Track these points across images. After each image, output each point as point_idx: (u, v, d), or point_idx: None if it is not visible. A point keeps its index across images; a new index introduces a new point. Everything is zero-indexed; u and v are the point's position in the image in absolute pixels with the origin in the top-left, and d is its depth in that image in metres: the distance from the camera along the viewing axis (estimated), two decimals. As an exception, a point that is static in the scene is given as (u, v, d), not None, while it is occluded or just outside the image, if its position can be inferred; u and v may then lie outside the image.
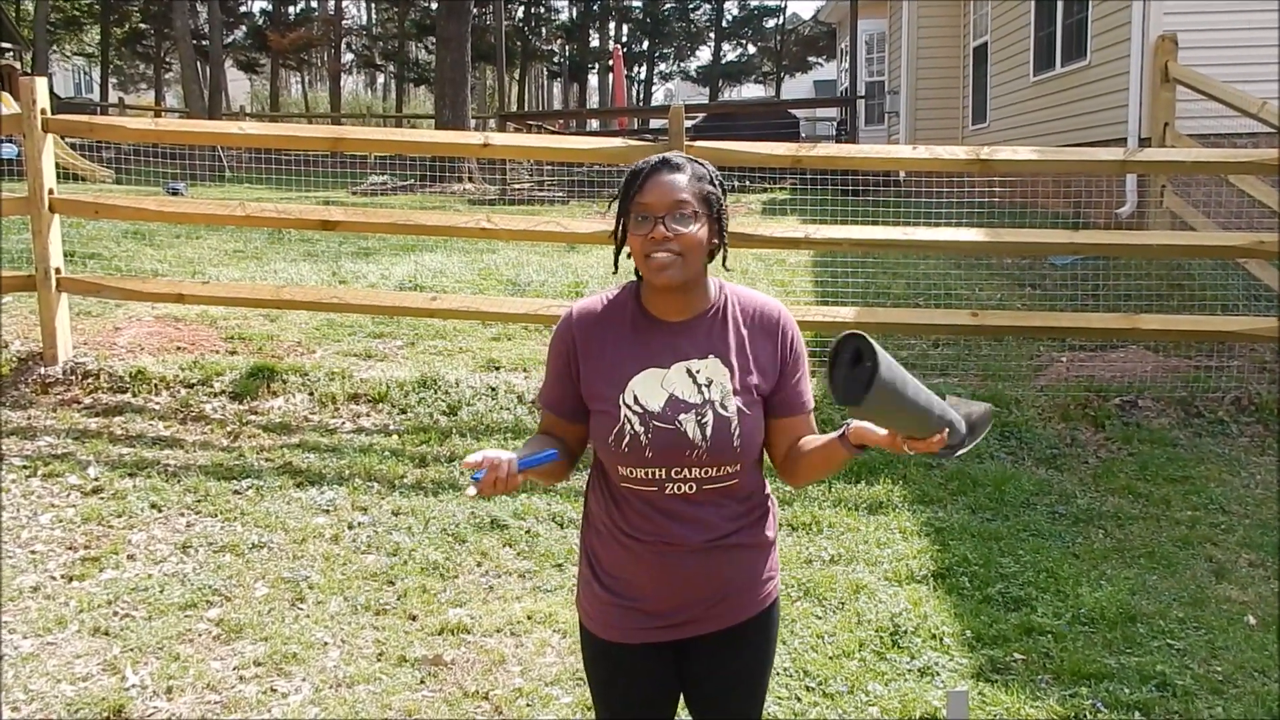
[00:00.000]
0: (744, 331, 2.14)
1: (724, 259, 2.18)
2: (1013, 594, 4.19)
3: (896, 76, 18.02)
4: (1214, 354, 6.66)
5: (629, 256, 2.12)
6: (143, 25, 41.35)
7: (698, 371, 2.09)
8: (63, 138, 14.69)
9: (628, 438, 2.05)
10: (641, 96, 48.53)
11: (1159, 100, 8.59)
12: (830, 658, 3.73)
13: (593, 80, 51.73)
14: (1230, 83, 7.85)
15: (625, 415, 2.05)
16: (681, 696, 2.29)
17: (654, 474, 2.06)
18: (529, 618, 4.02)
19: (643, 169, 2.07)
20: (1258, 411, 6.04)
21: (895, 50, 18.30)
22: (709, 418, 2.05)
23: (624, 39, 48.08)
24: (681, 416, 2.05)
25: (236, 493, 5.10)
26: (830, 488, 5.21)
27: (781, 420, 2.15)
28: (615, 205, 2.12)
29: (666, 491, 2.07)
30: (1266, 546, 4.64)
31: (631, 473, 2.07)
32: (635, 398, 2.06)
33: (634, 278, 2.17)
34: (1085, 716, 3.41)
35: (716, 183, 2.12)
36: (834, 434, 2.05)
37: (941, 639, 3.86)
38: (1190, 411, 6.08)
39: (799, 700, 3.49)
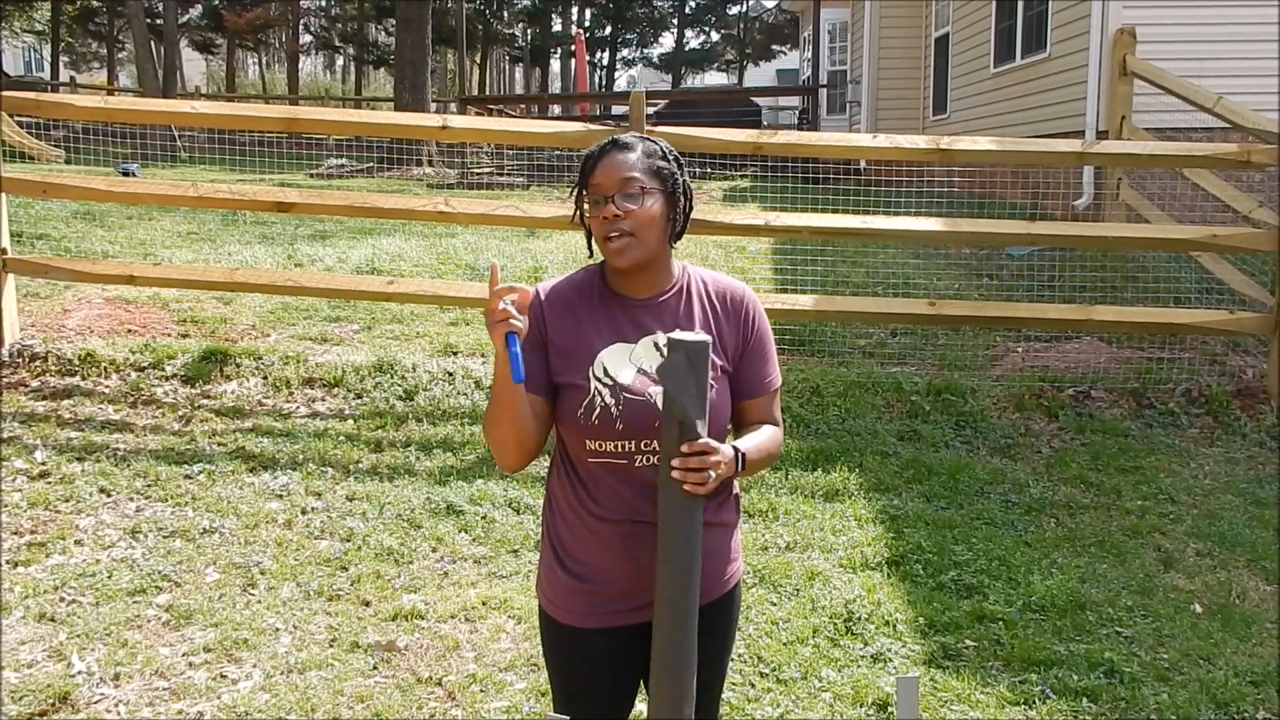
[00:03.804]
0: (709, 310, 2.18)
1: (679, 234, 2.17)
2: (965, 581, 4.22)
3: (859, 66, 18.08)
4: (1166, 346, 6.75)
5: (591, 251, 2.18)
6: (95, 2, 40.51)
7: (664, 345, 2.10)
8: (11, 116, 14.40)
9: (598, 409, 2.06)
10: (604, 82, 48.36)
11: (1117, 93, 8.68)
12: (784, 644, 3.74)
13: (555, 65, 51.48)
14: (1187, 77, 7.94)
15: (595, 388, 2.07)
16: (642, 682, 2.28)
17: (624, 446, 2.06)
18: (484, 604, 4.00)
19: (594, 152, 2.12)
20: (1208, 403, 6.12)
21: (857, 40, 18.36)
22: None
23: (586, 24, 47.86)
24: (651, 389, 2.07)
25: (188, 477, 5.03)
26: (787, 475, 5.23)
27: (744, 402, 2.19)
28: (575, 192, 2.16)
29: (637, 464, 2.07)
30: (1213, 536, 4.71)
31: (601, 446, 2.07)
32: (605, 370, 2.08)
33: (599, 259, 2.21)
34: (1034, 703, 3.44)
35: (671, 157, 2.14)
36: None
37: (894, 626, 3.89)
38: (1142, 402, 6.16)
39: (753, 686, 3.50)
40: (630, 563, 2.10)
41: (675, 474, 1.93)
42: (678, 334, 1.96)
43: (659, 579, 2.00)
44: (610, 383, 2.07)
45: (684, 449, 1.93)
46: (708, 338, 1.95)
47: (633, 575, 2.11)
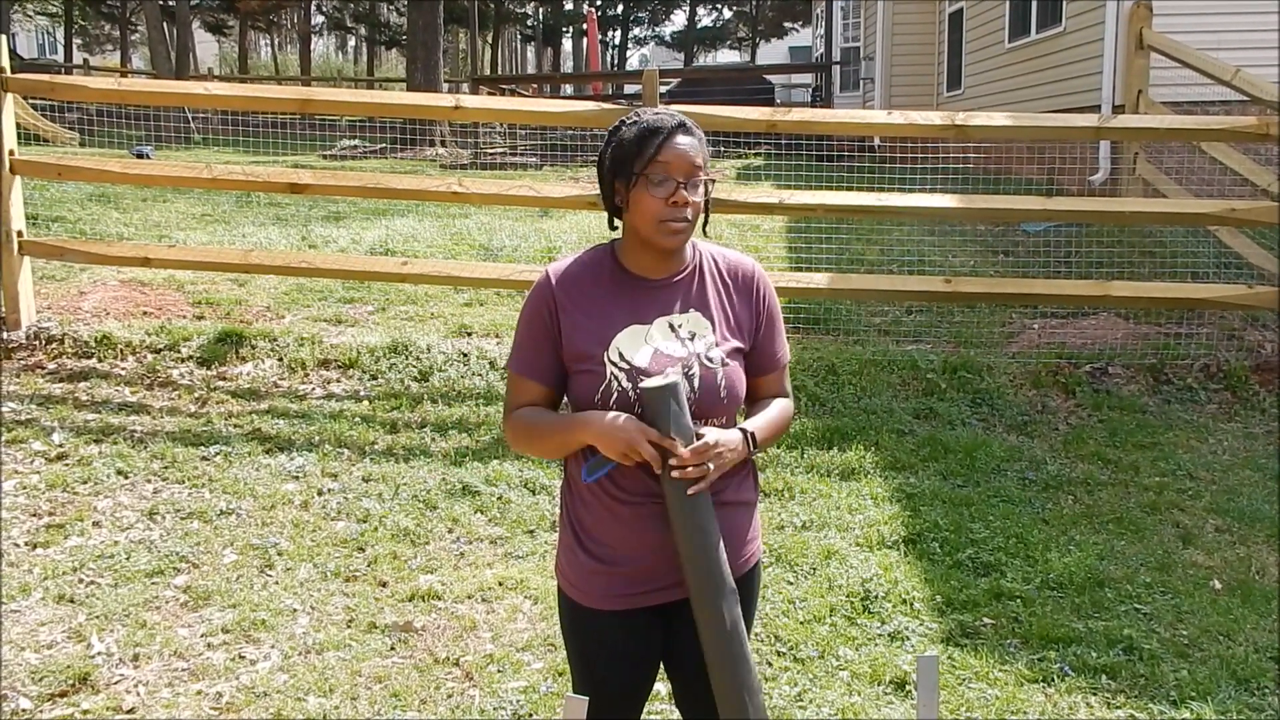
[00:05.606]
0: (721, 287, 2.17)
1: (704, 224, 2.21)
2: (983, 559, 4.21)
3: (872, 42, 17.94)
4: (1184, 321, 6.70)
5: (614, 224, 2.13)
6: (108, -15, 40.49)
7: (680, 325, 2.10)
8: (25, 98, 14.43)
9: (615, 394, 2.04)
10: (616, 61, 48.15)
11: (1133, 67, 8.57)
12: (801, 622, 3.74)
13: (567, 45, 51.33)
14: (1205, 50, 7.84)
15: (612, 372, 2.05)
16: (662, 663, 2.28)
17: None
18: (500, 584, 4.01)
19: (662, 128, 2.07)
20: (1226, 379, 6.08)
21: (871, 16, 18.21)
22: (695, 369, 2.07)
23: (598, 3, 47.60)
24: (668, 370, 2.05)
25: (204, 459, 5.04)
26: (803, 454, 5.22)
27: (757, 378, 2.20)
28: (610, 163, 2.10)
29: None
30: (1232, 512, 4.68)
31: None
32: (620, 354, 2.06)
33: (610, 238, 2.18)
34: (1053, 680, 3.43)
35: (707, 145, 2.15)
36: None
37: (912, 604, 3.88)
38: (1160, 378, 6.12)
39: (770, 665, 3.50)
40: (650, 544, 2.10)
41: (675, 474, 1.98)
42: (646, 383, 2.00)
43: (687, 572, 2.03)
44: (626, 367, 2.04)
45: (683, 453, 1.96)
46: (676, 378, 1.99)
47: (653, 556, 2.11)
